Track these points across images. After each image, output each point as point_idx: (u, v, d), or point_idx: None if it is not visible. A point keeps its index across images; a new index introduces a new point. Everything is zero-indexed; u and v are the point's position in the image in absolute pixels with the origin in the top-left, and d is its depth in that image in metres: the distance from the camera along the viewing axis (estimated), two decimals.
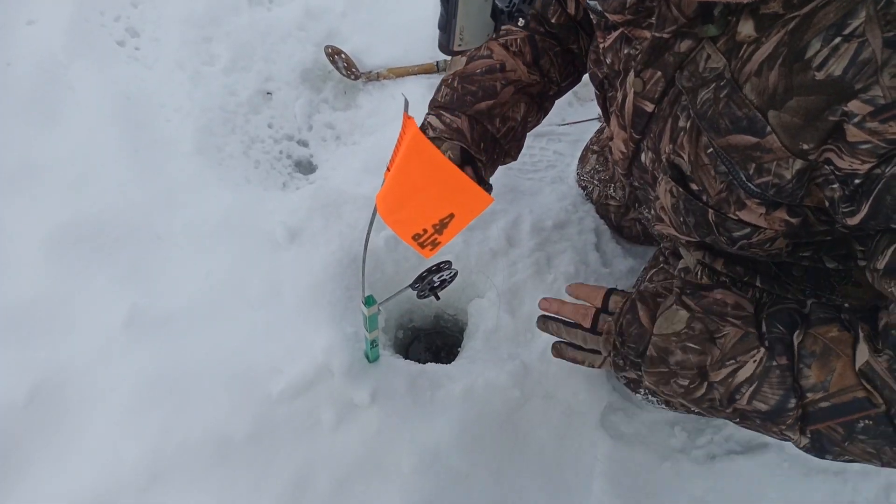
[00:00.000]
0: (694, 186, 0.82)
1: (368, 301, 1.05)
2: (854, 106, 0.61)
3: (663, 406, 1.24)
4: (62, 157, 1.46)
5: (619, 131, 0.92)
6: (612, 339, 0.91)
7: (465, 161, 1.03)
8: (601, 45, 0.91)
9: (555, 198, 1.50)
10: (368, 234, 0.89)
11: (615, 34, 0.87)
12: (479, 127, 1.05)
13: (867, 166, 0.63)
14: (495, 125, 1.06)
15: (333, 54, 1.68)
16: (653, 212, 0.97)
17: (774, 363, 0.75)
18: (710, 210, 0.82)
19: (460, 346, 1.38)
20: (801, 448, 0.77)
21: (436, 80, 1.66)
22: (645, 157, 0.90)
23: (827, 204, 0.72)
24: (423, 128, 1.07)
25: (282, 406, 1.17)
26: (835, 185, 0.68)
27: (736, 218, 0.80)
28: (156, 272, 1.33)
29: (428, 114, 1.09)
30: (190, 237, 1.38)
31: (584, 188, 1.53)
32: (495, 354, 1.28)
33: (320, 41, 1.73)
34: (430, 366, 1.27)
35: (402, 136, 0.70)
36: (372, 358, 1.21)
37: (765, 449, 1.30)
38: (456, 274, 1.09)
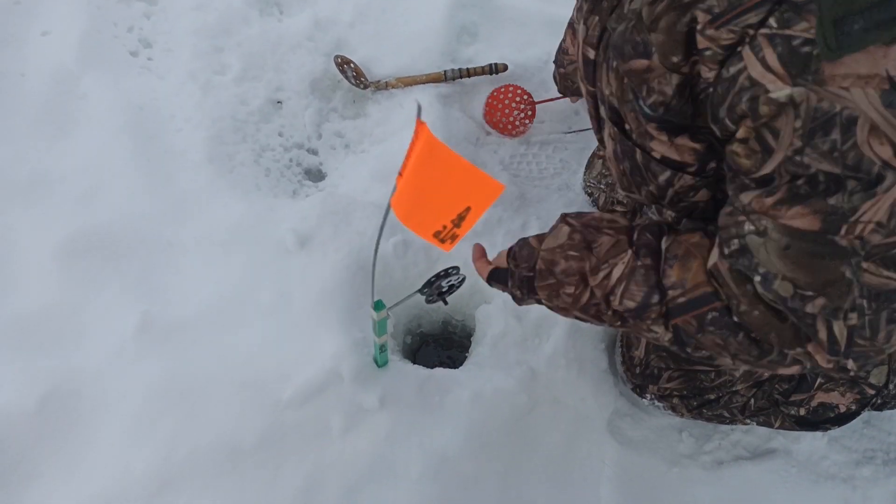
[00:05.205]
0: (627, 127, 0.87)
1: (377, 306, 1.05)
2: (698, 15, 0.66)
3: (670, 412, 1.25)
4: (74, 168, 1.47)
5: (609, 135, 0.94)
6: (507, 262, 1.00)
7: None
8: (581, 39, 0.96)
9: (561, 205, 1.51)
10: (379, 239, 0.90)
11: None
12: None
13: (713, 73, 0.68)
14: None
15: (343, 64, 1.70)
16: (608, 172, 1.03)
17: (639, 263, 0.85)
18: (637, 150, 0.86)
19: (468, 352, 1.39)
20: (666, 342, 0.87)
21: (444, 88, 1.68)
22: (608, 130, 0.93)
23: (710, 119, 0.74)
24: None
25: (291, 412, 1.18)
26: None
27: (658, 157, 0.84)
28: (166, 280, 1.34)
29: None
30: (200, 245, 1.39)
31: (590, 195, 1.54)
32: (503, 360, 1.29)
33: (330, 51, 1.74)
34: (439, 371, 1.28)
35: (415, 141, 0.71)
36: (381, 363, 1.22)
37: (773, 455, 1.30)
38: (464, 279, 1.10)
